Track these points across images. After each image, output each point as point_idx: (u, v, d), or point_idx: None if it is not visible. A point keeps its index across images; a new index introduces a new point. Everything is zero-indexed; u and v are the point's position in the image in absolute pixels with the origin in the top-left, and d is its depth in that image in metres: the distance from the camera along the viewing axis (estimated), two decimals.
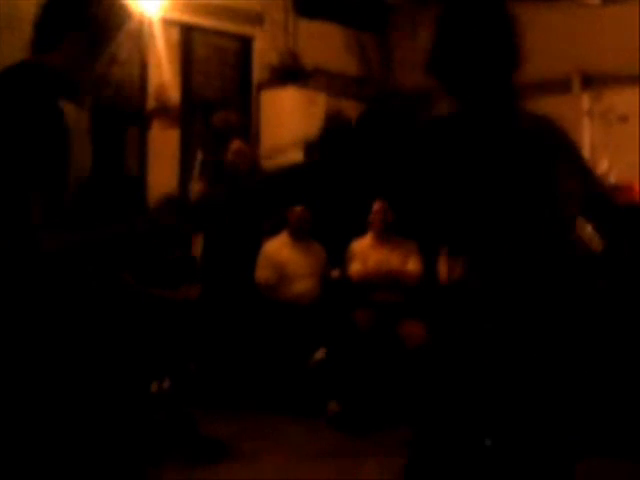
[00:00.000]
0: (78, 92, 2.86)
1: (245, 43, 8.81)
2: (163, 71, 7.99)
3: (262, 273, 6.80)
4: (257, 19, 8.71)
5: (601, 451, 5.12)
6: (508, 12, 2.75)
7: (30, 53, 2.81)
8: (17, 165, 2.59)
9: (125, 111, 7.84)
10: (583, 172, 2.77)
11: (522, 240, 2.63)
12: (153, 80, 7.99)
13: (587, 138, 8.59)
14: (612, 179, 7.91)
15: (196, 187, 7.75)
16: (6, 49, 6.23)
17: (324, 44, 9.13)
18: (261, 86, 8.79)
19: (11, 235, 2.65)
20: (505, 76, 2.73)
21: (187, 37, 8.38)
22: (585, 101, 8.68)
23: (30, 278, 2.69)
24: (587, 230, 2.73)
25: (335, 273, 6.99)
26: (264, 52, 8.82)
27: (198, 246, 6.99)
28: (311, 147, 8.18)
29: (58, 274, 2.77)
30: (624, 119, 8.45)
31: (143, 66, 7.95)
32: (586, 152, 8.58)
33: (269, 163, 8.15)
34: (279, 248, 6.89)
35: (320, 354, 6.30)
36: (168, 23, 8.00)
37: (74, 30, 2.78)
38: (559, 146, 2.72)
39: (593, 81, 8.59)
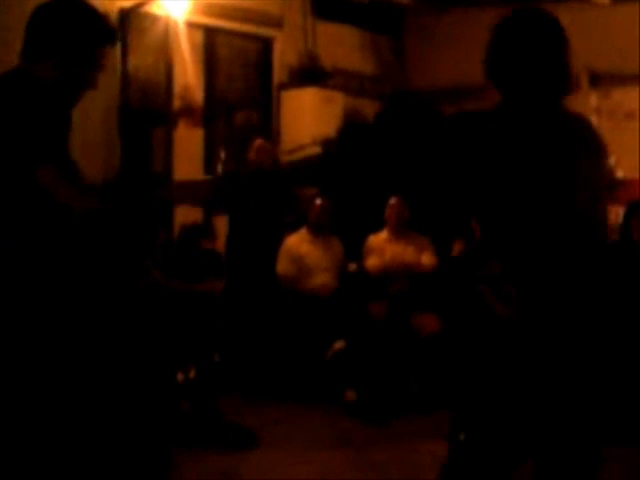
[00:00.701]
0: (73, 99, 2.90)
1: (266, 45, 8.80)
2: (188, 72, 7.98)
3: (283, 266, 6.82)
4: (277, 22, 8.68)
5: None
6: (562, 29, 2.72)
7: (21, 60, 2.87)
8: (20, 149, 2.66)
9: (151, 111, 7.85)
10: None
11: (549, 236, 2.58)
12: (178, 81, 7.97)
13: None
14: (619, 174, 7.87)
15: None
16: None
17: (341, 45, 9.12)
18: (281, 86, 8.77)
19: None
20: (555, 88, 2.68)
21: (210, 39, 8.37)
22: (593, 99, 8.61)
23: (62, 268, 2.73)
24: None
25: (352, 266, 7.00)
26: (284, 53, 8.80)
27: (222, 241, 7.02)
28: (329, 143, 8.19)
29: (91, 269, 2.80)
30: (631, 116, 8.39)
31: (169, 68, 7.95)
32: None
33: (289, 160, 8.18)
34: (299, 243, 6.90)
35: (339, 344, 6.30)
36: (192, 26, 7.97)
37: (65, 42, 2.83)
38: (597, 149, 2.68)
39: (601, 79, 8.52)
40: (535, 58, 2.64)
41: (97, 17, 2.91)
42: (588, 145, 2.64)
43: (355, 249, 7.01)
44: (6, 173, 2.70)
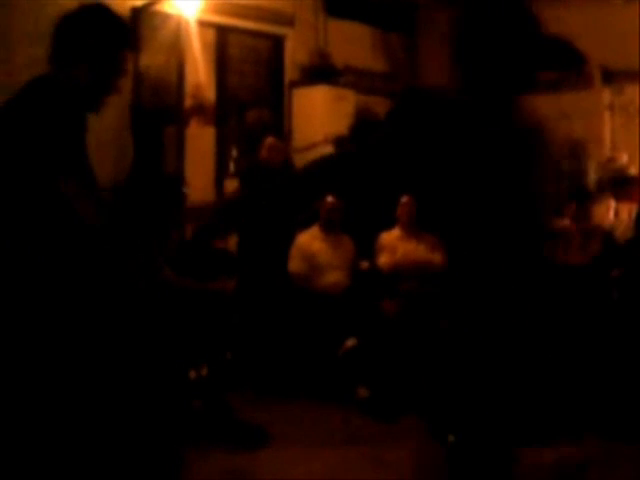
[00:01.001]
0: (98, 104, 3.01)
1: (277, 43, 8.83)
2: (199, 71, 8.01)
3: (294, 264, 6.81)
4: (289, 20, 8.71)
5: (597, 433, 5.14)
6: (529, 14, 2.70)
7: (51, 66, 2.96)
8: (43, 157, 2.74)
9: (163, 110, 7.86)
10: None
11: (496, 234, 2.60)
12: (190, 80, 8.00)
13: (608, 131, 8.52)
14: (632, 171, 7.85)
15: (231, 184, 7.79)
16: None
17: (353, 43, 9.11)
18: (293, 84, 8.80)
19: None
20: (516, 74, 2.67)
21: (222, 38, 8.39)
22: (606, 95, 8.60)
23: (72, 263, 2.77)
24: None
25: (364, 264, 6.99)
26: (296, 51, 8.83)
27: (234, 240, 7.02)
28: (341, 141, 8.18)
29: (101, 272, 2.83)
30: None
31: (180, 66, 7.96)
32: (607, 145, 8.52)
33: (301, 158, 8.17)
34: (310, 240, 6.89)
35: (351, 342, 6.29)
36: (204, 24, 8.01)
37: (96, 47, 2.94)
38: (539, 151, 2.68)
39: (614, 76, 8.51)
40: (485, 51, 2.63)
41: (120, 23, 3.05)
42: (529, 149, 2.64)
43: (367, 247, 7.00)
44: (28, 179, 2.77)
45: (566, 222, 7.04)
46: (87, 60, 2.93)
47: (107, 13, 3.03)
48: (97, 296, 2.81)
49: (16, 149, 2.79)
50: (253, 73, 8.69)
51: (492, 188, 2.26)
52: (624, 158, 7.89)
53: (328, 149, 8.18)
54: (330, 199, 6.95)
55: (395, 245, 6.92)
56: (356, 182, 7.66)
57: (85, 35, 2.94)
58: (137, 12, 7.41)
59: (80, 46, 2.93)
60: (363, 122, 8.52)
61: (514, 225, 2.30)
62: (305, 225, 7.05)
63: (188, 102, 7.98)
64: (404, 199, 6.98)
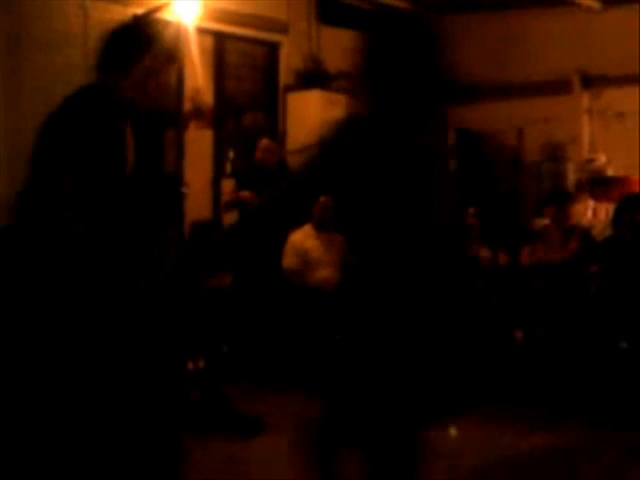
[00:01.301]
0: (138, 115, 3.10)
1: (272, 49, 8.90)
2: (198, 76, 8.04)
3: (288, 261, 6.91)
4: (283, 27, 8.79)
5: (582, 422, 5.27)
6: (429, 35, 2.75)
7: (97, 75, 3.03)
8: (64, 156, 2.83)
9: (163, 114, 7.89)
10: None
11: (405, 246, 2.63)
12: (189, 85, 8.04)
13: (587, 134, 8.60)
14: (610, 172, 7.95)
15: (227, 184, 7.84)
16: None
17: (345, 50, 9.12)
18: (287, 89, 8.87)
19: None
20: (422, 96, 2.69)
21: (220, 44, 8.47)
22: (585, 100, 8.69)
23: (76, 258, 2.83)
24: None
25: (352, 260, 7.00)
26: (290, 57, 8.89)
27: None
28: (327, 142, 8.22)
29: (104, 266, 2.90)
30: (621, 116, 8.45)
31: (180, 72, 8.01)
32: (586, 147, 8.60)
33: (295, 159, 8.23)
34: (303, 238, 6.97)
35: None
36: (202, 32, 8.05)
37: (142, 58, 3.00)
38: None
39: (592, 81, 8.60)
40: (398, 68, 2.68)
41: (166, 37, 3.08)
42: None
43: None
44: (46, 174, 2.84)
45: (546, 222, 7.14)
46: (130, 71, 2.96)
47: (154, 27, 3.08)
48: (97, 294, 2.83)
49: (51, 149, 2.85)
50: (249, 78, 8.76)
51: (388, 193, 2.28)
52: (602, 159, 7.98)
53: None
54: (323, 199, 7.01)
55: None
56: (345, 180, 7.69)
57: (130, 47, 2.97)
58: (138, 19, 7.45)
59: (125, 57, 2.96)
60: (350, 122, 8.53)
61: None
62: (298, 224, 7.12)
63: (187, 106, 8.04)
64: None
